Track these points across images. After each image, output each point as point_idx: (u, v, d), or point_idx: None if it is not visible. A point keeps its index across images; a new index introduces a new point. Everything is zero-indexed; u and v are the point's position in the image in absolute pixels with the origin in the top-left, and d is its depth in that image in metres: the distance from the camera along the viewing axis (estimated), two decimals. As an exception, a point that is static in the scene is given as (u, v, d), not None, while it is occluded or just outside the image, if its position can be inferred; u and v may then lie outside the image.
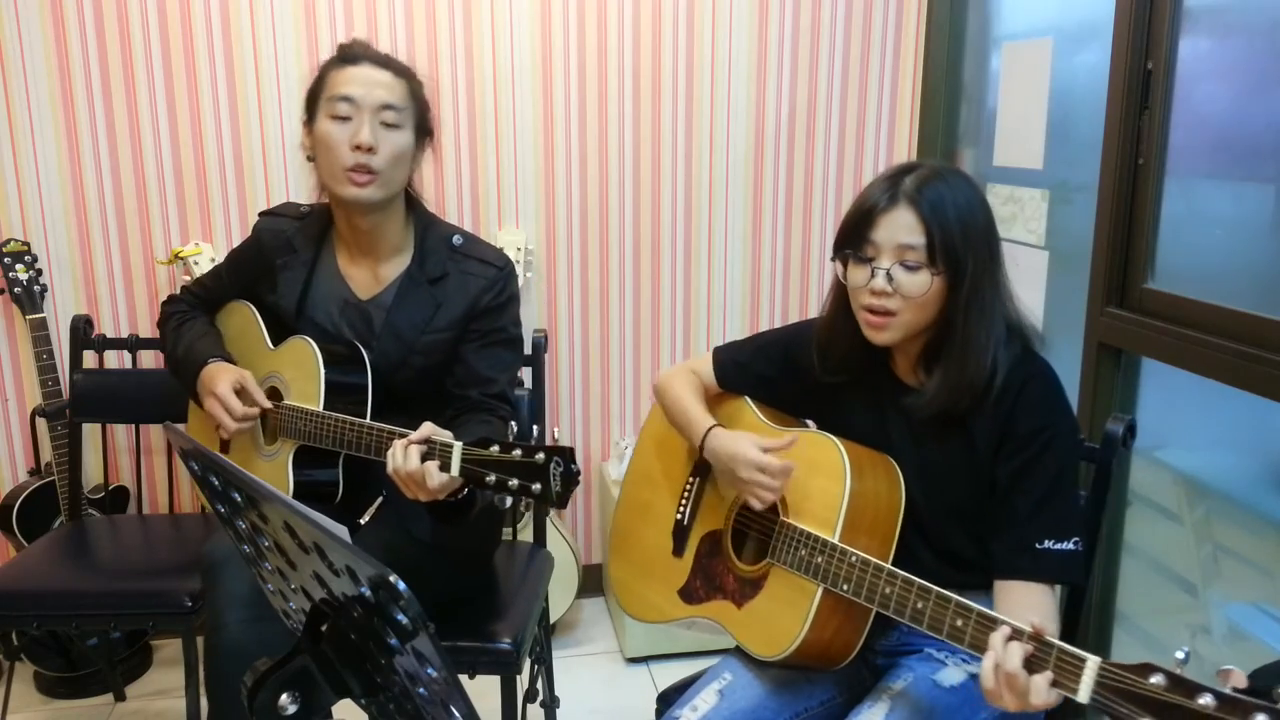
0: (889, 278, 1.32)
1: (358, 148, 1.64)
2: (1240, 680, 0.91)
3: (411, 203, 1.81)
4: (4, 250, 2.43)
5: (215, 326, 1.91)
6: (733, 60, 2.74)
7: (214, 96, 2.53)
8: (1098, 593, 2.11)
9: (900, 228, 1.32)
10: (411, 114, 1.71)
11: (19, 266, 2.42)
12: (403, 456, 1.46)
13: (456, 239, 1.79)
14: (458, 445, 1.43)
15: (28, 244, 2.46)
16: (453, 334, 1.75)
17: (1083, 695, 1.03)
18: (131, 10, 2.45)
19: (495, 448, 1.40)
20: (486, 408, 1.75)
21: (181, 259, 2.49)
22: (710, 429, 1.51)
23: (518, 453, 1.38)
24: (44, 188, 2.51)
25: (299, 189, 2.59)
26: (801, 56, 2.77)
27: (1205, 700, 0.92)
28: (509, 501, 1.41)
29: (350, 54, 1.71)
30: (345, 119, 1.65)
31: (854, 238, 1.36)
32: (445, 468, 1.44)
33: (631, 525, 1.67)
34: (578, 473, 1.37)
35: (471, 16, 2.59)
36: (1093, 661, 1.03)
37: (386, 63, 1.71)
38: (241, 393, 1.71)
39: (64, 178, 2.51)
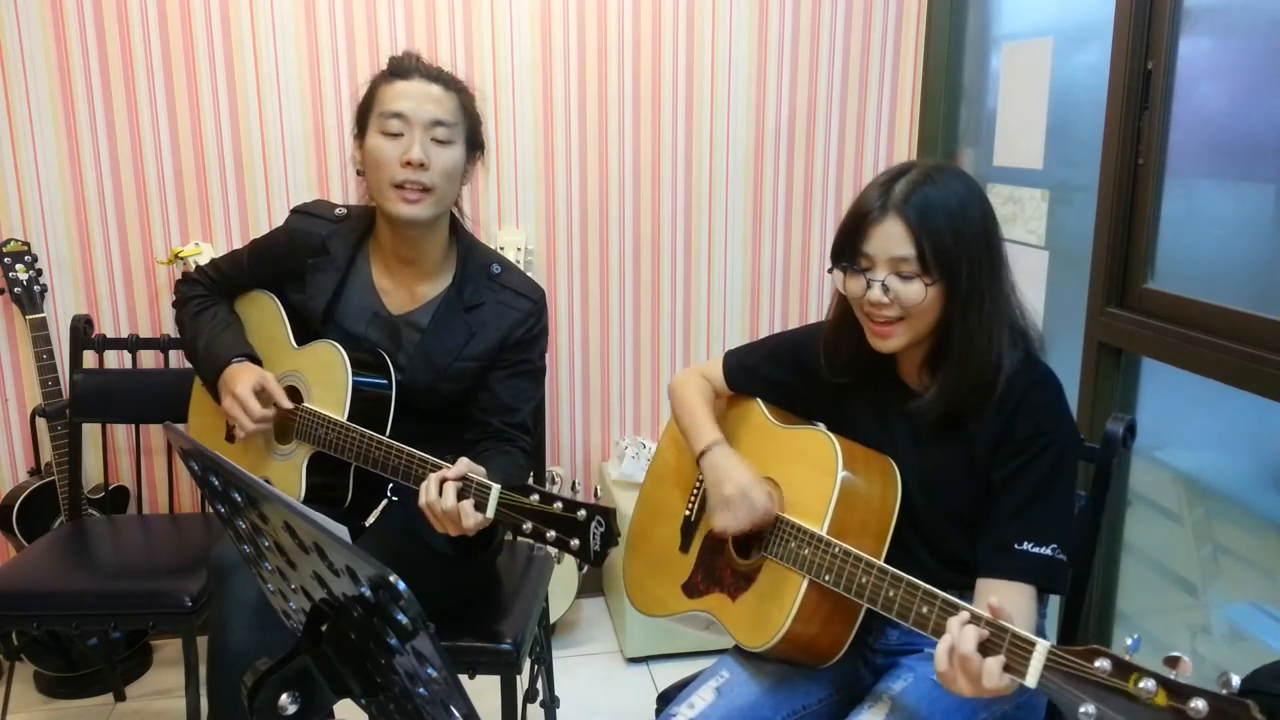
0: (885, 288, 1.32)
1: (408, 164, 1.63)
2: (1187, 669, 0.93)
3: (454, 222, 1.79)
4: (4, 250, 2.43)
5: (236, 315, 1.89)
6: (733, 60, 2.74)
7: (214, 96, 2.53)
8: (1098, 593, 2.11)
9: (891, 240, 1.31)
10: (463, 129, 1.70)
11: (19, 266, 2.42)
12: (438, 492, 1.45)
13: (495, 267, 1.78)
14: (495, 488, 1.43)
15: (28, 244, 2.46)
16: (482, 364, 1.75)
17: (1030, 679, 1.06)
18: (131, 10, 2.45)
19: (535, 497, 1.39)
20: (507, 437, 1.74)
21: (181, 259, 2.49)
22: (712, 444, 1.52)
23: (559, 505, 1.37)
24: (44, 188, 2.51)
25: (299, 189, 2.59)
26: (801, 57, 2.77)
27: (1147, 685, 0.94)
28: (539, 550, 1.41)
29: (401, 68, 1.69)
30: (396, 135, 1.64)
31: (848, 249, 1.36)
32: (480, 507, 1.43)
33: (646, 524, 1.69)
34: (618, 534, 1.37)
35: (471, 16, 2.59)
36: (1042, 645, 1.06)
37: (438, 76, 1.69)
38: (262, 394, 1.71)
39: (64, 178, 2.51)
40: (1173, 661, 0.94)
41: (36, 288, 2.43)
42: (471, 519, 1.43)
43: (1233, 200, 1.85)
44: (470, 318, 1.74)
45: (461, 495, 1.45)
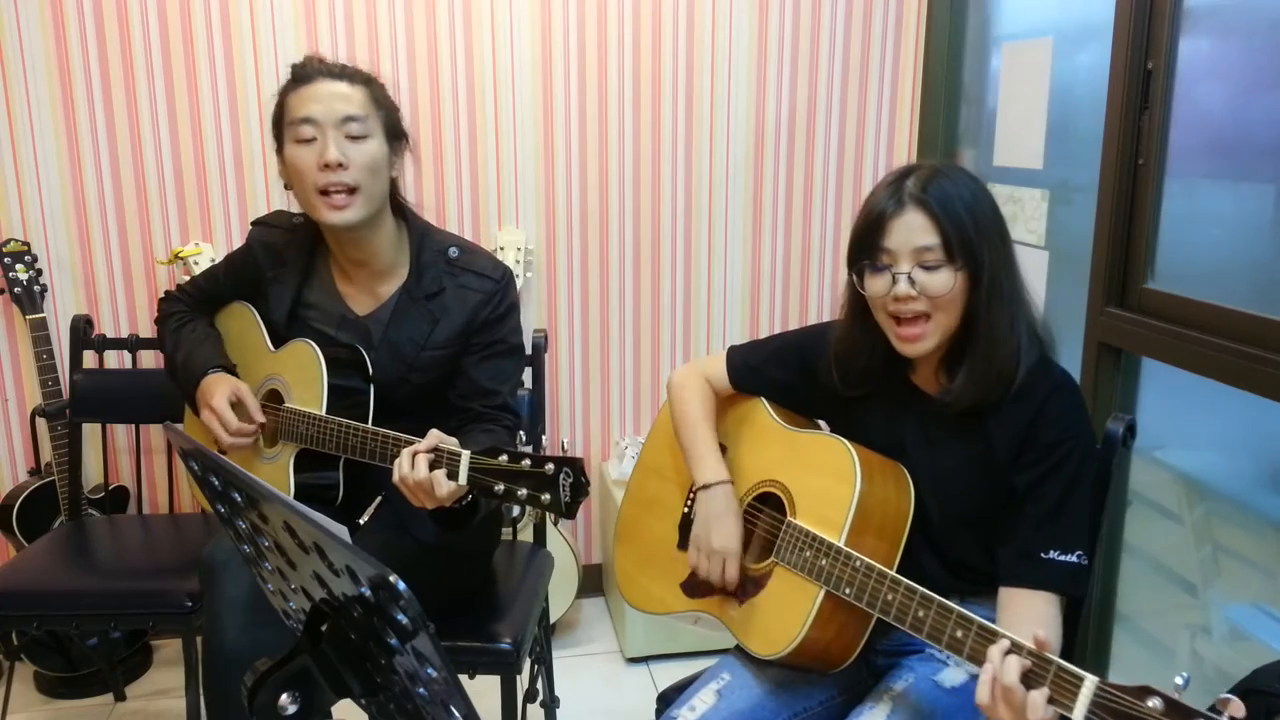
0: (911, 281, 1.30)
1: (326, 166, 1.60)
2: (1239, 710, 0.90)
3: (403, 213, 1.77)
4: (4, 250, 2.43)
5: (215, 329, 1.90)
6: (733, 60, 2.74)
7: (214, 96, 2.53)
8: (1098, 593, 2.10)
9: (914, 230, 1.30)
10: (378, 120, 1.66)
11: (19, 266, 2.42)
12: (410, 465, 1.46)
13: (453, 251, 1.75)
14: (465, 454, 1.43)
15: (28, 244, 2.46)
16: (451, 350, 1.74)
17: (1078, 715, 1.02)
18: (131, 10, 2.45)
19: (504, 457, 1.39)
20: (490, 418, 1.74)
21: (181, 259, 2.49)
22: (715, 483, 1.50)
23: (526, 462, 1.37)
24: (44, 188, 2.51)
25: (299, 189, 2.59)
26: (801, 56, 2.77)
27: None
28: (516, 510, 1.42)
29: (303, 73, 1.66)
30: (310, 140, 1.62)
31: (867, 247, 1.34)
32: (453, 476, 1.43)
33: (638, 516, 1.67)
34: (587, 484, 1.37)
35: (471, 16, 2.59)
36: (1090, 681, 1.02)
37: (341, 73, 1.66)
38: (238, 405, 1.71)
39: (64, 178, 2.51)
40: (1224, 704, 0.91)
41: (36, 288, 2.43)
42: (444, 487, 1.44)
43: (1233, 200, 1.85)
44: (432, 305, 1.73)
45: (434, 466, 1.45)
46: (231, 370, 1.80)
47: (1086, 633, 2.10)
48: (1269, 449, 1.82)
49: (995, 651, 1.10)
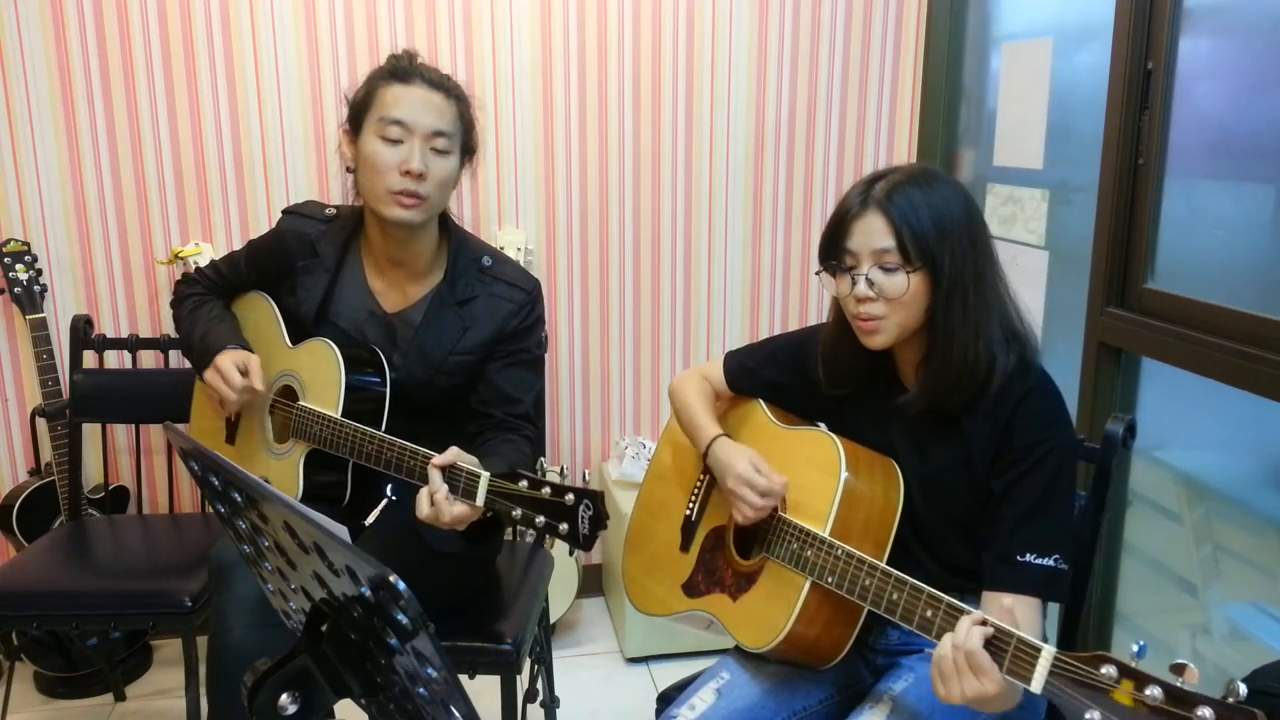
0: (869, 282, 1.33)
1: (407, 173, 1.61)
2: (1193, 676, 0.93)
3: (445, 219, 1.79)
4: (4, 250, 2.43)
5: (232, 313, 1.89)
6: (733, 60, 2.74)
7: (214, 96, 2.53)
8: (1098, 593, 2.11)
9: (872, 233, 1.33)
10: (460, 138, 1.68)
11: (19, 266, 2.42)
12: (429, 505, 1.46)
13: (486, 260, 1.77)
14: (484, 475, 1.43)
15: (28, 244, 2.46)
16: (478, 357, 1.75)
17: (1036, 685, 1.06)
18: (131, 10, 2.45)
19: (524, 483, 1.39)
20: (511, 427, 1.74)
21: (181, 259, 2.49)
22: (714, 439, 1.52)
23: (547, 490, 1.37)
24: (44, 188, 2.51)
25: (299, 189, 2.59)
26: (801, 56, 2.77)
27: (1152, 692, 0.93)
28: (531, 535, 1.41)
29: (402, 70, 1.66)
30: (395, 142, 1.62)
31: (833, 249, 1.38)
32: (470, 495, 1.43)
33: (646, 522, 1.69)
34: (606, 518, 1.37)
35: (471, 16, 2.59)
36: (1047, 651, 1.06)
37: (440, 84, 1.67)
38: (245, 371, 1.70)
39: (64, 178, 2.51)
40: (1179, 669, 0.93)
41: (36, 288, 2.43)
42: (451, 514, 1.44)
43: (1233, 200, 1.85)
44: (464, 311, 1.74)
45: (451, 482, 1.45)
46: (248, 350, 1.79)
47: (1087, 633, 2.10)
48: (1269, 449, 1.82)
49: (965, 621, 1.14)
